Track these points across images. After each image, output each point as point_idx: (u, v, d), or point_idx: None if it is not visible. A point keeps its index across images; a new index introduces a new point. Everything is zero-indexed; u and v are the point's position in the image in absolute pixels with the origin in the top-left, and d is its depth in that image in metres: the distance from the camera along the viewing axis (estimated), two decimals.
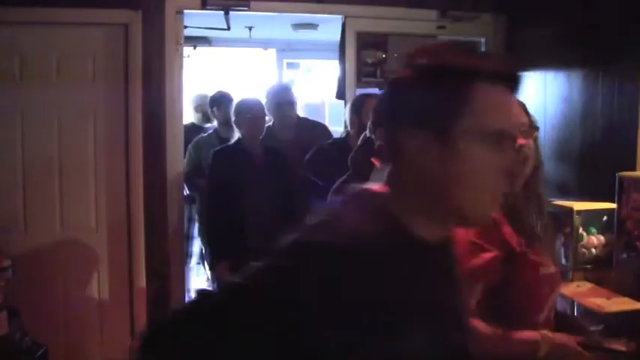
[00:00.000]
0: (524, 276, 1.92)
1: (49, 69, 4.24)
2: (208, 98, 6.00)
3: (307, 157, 4.22)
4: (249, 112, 4.31)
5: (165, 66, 4.33)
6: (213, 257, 4.45)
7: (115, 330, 4.42)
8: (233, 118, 4.40)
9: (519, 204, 1.94)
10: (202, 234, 5.48)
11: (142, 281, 4.40)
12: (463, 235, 1.68)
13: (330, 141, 4.37)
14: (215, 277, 4.48)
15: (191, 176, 5.14)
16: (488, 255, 1.86)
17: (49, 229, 4.32)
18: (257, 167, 4.28)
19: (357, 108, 4.02)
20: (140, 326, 4.39)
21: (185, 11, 4.40)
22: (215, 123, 5.74)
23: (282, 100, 4.78)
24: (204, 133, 5.68)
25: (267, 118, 4.74)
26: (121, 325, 4.43)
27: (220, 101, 5.51)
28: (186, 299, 4.89)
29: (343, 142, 4.16)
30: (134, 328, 4.41)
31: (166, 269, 4.45)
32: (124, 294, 4.42)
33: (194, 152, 5.25)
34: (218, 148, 4.66)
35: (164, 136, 4.37)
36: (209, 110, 5.92)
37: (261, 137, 4.39)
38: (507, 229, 1.92)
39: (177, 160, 4.47)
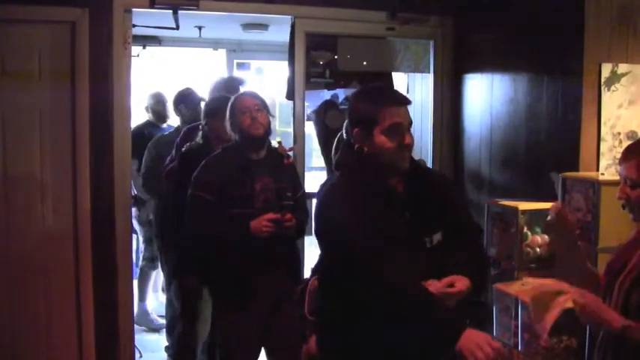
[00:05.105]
0: None
1: None
2: (164, 97, 5.86)
3: None
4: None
5: (113, 65, 4.28)
6: (182, 268, 4.20)
7: (61, 336, 4.35)
8: (205, 120, 4.17)
9: None
10: (157, 236, 5.19)
11: (89, 289, 4.33)
12: None
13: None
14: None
15: (149, 177, 4.99)
16: None
17: None
18: None
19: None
20: (87, 333, 4.33)
21: (134, 10, 4.35)
22: (169, 121, 5.67)
23: (230, 90, 4.51)
24: (163, 131, 5.55)
25: None
26: (68, 330, 4.35)
27: (189, 98, 5.24)
28: (135, 305, 4.83)
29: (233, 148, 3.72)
30: (81, 334, 4.34)
31: (114, 275, 4.38)
32: (70, 301, 4.33)
33: (155, 150, 5.05)
34: (190, 149, 4.23)
35: (112, 136, 4.31)
36: (169, 108, 5.72)
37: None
38: None
39: (125, 161, 4.41)
